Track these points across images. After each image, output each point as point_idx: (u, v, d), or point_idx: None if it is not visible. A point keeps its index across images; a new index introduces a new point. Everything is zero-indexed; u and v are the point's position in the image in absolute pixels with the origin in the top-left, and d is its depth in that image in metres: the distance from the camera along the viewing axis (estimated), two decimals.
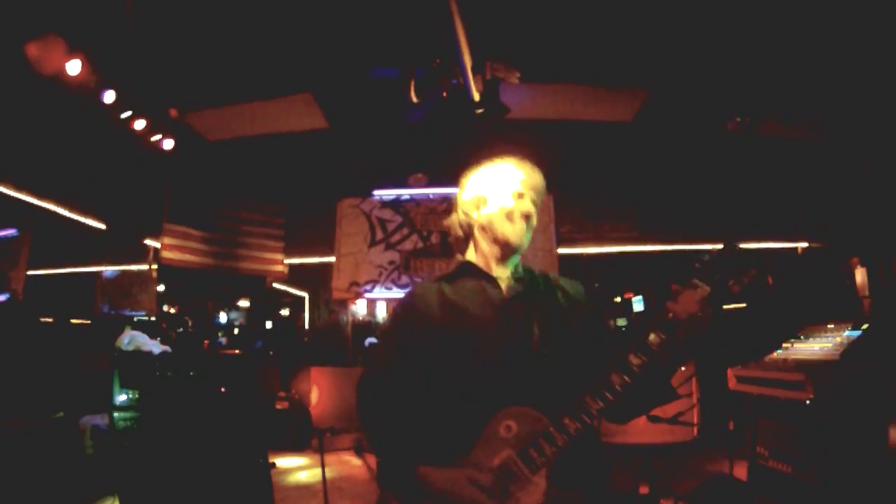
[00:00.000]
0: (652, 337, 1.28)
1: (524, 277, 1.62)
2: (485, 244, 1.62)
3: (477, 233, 1.63)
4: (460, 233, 1.68)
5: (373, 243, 6.06)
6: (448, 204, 5.64)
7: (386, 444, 1.49)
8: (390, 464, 1.47)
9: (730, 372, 3.42)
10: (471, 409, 1.40)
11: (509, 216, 1.56)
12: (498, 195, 1.59)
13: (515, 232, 1.56)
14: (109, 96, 4.38)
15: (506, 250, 1.59)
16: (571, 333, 1.51)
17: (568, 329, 1.51)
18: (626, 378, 1.27)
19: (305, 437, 6.40)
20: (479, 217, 1.62)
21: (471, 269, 1.62)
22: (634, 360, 1.27)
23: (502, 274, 1.60)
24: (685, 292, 1.30)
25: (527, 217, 1.57)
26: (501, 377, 1.43)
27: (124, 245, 7.50)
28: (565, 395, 1.34)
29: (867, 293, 4.61)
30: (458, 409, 1.43)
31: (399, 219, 6.10)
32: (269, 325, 15.42)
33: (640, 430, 3.57)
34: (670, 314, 1.29)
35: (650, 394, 1.42)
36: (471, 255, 1.65)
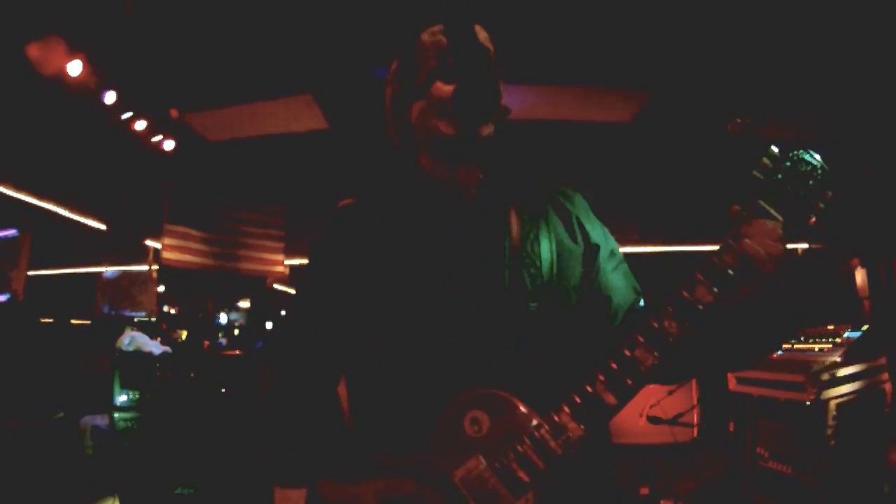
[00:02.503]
0: (700, 291, 0.87)
1: (501, 183, 1.14)
2: (428, 146, 1.14)
3: (416, 132, 1.14)
4: (396, 142, 1.21)
5: None
6: None
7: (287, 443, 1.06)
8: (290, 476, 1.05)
9: (729, 373, 3.42)
10: (419, 387, 0.97)
11: (442, 108, 1.06)
12: (420, 81, 1.10)
13: (455, 127, 1.05)
14: (110, 97, 4.39)
15: (454, 153, 1.10)
16: (569, 266, 1.07)
17: (563, 259, 1.07)
18: (656, 354, 0.87)
19: None
20: (411, 111, 1.14)
21: (421, 176, 1.14)
22: (669, 325, 0.87)
23: (467, 181, 1.13)
24: (756, 222, 0.87)
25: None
26: (462, 335, 0.98)
27: (125, 246, 7.50)
28: (561, 367, 0.95)
29: (867, 294, 4.61)
30: (398, 386, 1.00)
31: None
32: (269, 325, 15.41)
33: (640, 431, 3.57)
34: (729, 259, 0.87)
35: (687, 363, 0.99)
36: (422, 157, 1.17)
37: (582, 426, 0.86)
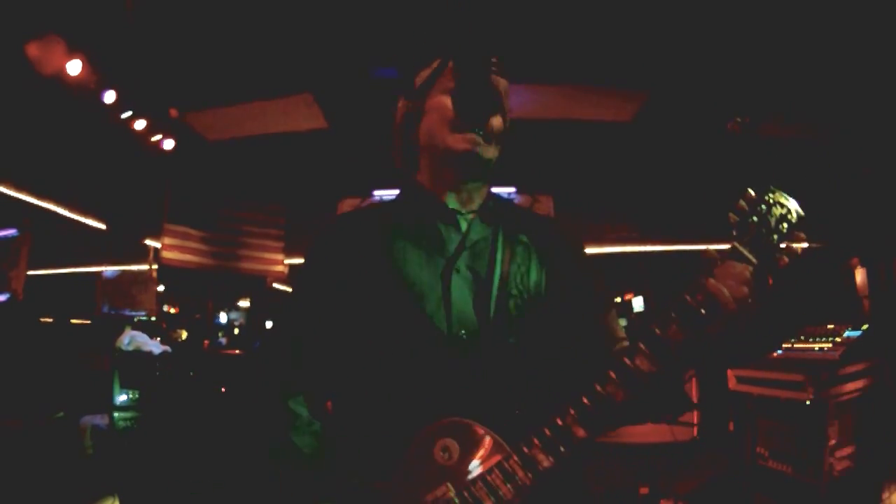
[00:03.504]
0: (672, 330, 0.88)
1: (496, 212, 1.15)
2: (431, 166, 1.14)
3: (421, 152, 1.16)
4: (400, 156, 1.21)
5: None
6: None
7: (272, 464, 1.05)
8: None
9: (730, 372, 3.42)
10: (395, 410, 0.99)
11: (452, 123, 1.07)
12: (436, 95, 1.11)
13: (464, 142, 1.06)
14: (110, 96, 4.39)
15: (459, 171, 1.10)
16: (556, 305, 1.08)
17: (553, 297, 1.08)
18: (627, 389, 0.88)
19: None
20: (420, 128, 1.14)
21: (418, 197, 1.15)
22: (640, 363, 0.88)
23: (463, 207, 1.13)
24: (727, 264, 0.89)
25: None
26: (442, 361, 0.99)
27: (124, 245, 7.50)
28: (538, 402, 0.94)
29: (867, 294, 4.61)
30: (375, 408, 1.01)
31: None
32: (269, 325, 15.40)
33: (641, 431, 3.58)
34: (700, 298, 0.88)
35: (656, 402, 0.99)
36: (422, 179, 1.17)
37: (551, 458, 0.87)
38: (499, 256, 1.08)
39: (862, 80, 4.02)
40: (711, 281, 0.89)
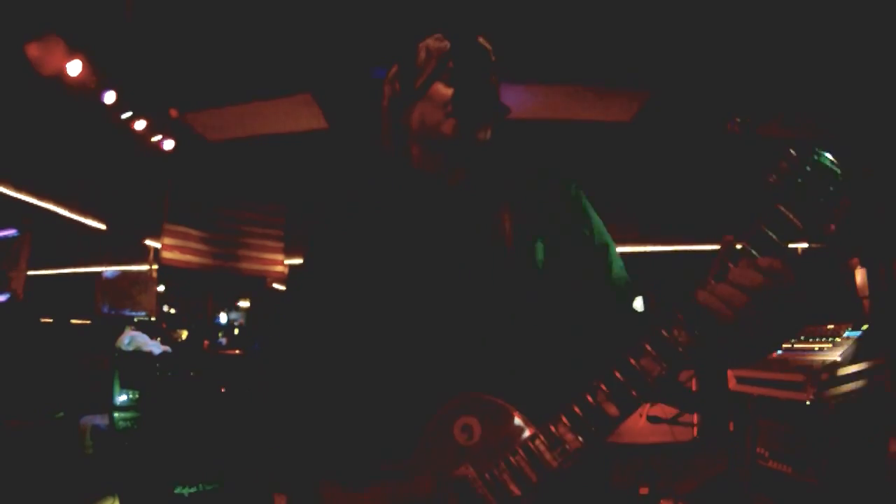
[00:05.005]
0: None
1: (495, 183, 1.12)
2: (423, 150, 1.14)
3: (412, 136, 1.15)
4: (388, 144, 1.22)
5: None
6: None
7: (286, 451, 1.04)
8: (291, 479, 1.02)
9: (730, 372, 3.42)
10: (408, 389, 0.94)
11: (446, 109, 1.06)
12: (435, 82, 1.09)
13: (459, 128, 1.05)
14: (110, 97, 4.39)
15: (453, 155, 1.10)
16: (565, 263, 1.04)
17: (559, 256, 1.05)
18: (664, 364, 0.80)
19: None
20: (412, 113, 1.14)
21: (411, 176, 1.15)
22: (678, 334, 0.81)
23: (458, 182, 1.12)
24: (777, 262, 0.80)
25: None
26: (456, 336, 0.96)
27: (124, 245, 7.51)
28: (558, 372, 0.91)
29: (867, 294, 4.61)
30: (387, 388, 0.97)
31: None
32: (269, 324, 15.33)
33: (640, 431, 3.57)
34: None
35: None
36: (415, 162, 1.18)
37: (581, 438, 0.80)
38: (500, 224, 1.05)
39: (862, 80, 4.02)
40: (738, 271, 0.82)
